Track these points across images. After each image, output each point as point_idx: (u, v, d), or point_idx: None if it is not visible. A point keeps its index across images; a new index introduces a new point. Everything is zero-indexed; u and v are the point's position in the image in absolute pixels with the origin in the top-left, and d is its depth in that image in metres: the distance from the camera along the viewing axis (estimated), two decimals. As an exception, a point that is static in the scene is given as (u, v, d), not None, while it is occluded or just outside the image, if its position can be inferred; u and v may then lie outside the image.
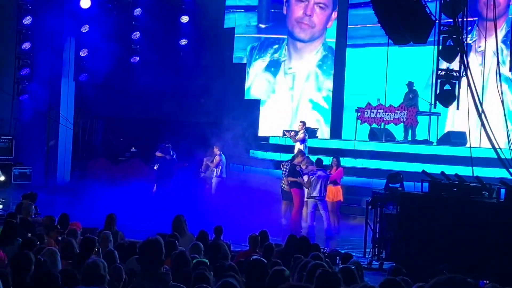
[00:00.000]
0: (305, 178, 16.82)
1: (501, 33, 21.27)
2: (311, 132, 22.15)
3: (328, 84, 25.75)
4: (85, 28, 23.06)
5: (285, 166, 17.74)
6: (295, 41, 26.20)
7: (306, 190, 16.71)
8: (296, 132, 20.10)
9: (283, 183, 17.50)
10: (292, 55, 26.32)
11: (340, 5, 25.47)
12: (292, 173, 17.04)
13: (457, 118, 21.51)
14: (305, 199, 16.71)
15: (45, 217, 11.59)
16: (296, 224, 16.74)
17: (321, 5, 25.77)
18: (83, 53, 23.28)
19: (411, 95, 21.39)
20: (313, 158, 18.10)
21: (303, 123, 20.51)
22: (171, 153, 21.18)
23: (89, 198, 18.35)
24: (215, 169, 19.86)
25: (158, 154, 21.27)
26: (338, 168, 17.39)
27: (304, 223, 16.80)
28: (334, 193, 17.08)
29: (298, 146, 19.66)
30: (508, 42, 21.10)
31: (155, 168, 21.07)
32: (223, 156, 20.11)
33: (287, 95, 26.21)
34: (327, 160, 18.20)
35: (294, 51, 26.28)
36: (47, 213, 12.55)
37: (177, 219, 11.24)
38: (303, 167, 17.11)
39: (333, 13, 25.76)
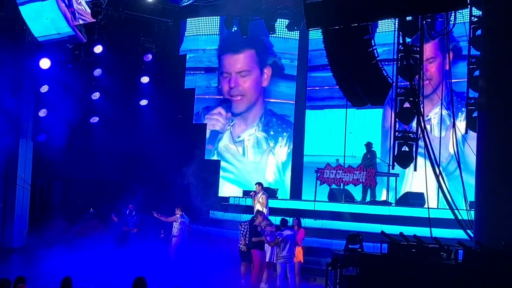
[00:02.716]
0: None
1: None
2: (271, 193, 22.12)
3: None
4: (44, 89, 22.94)
5: (243, 226, 17.60)
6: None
7: (275, 251, 16.59)
8: (256, 193, 19.97)
9: (241, 244, 17.37)
10: (240, 124, 26.45)
11: (300, 67, 25.83)
12: (255, 234, 16.93)
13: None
14: (274, 261, 16.56)
15: (0, 280, 11.35)
16: (256, 286, 16.61)
17: (242, 73, 26.07)
18: (42, 113, 23.10)
19: (369, 156, 21.63)
20: (273, 218, 18.07)
21: (260, 184, 20.36)
22: (127, 212, 21.18)
23: (46, 260, 18.04)
24: (174, 224, 19.90)
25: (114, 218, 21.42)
26: (300, 229, 17.27)
27: (264, 285, 16.65)
28: (296, 254, 17.00)
29: (257, 207, 19.55)
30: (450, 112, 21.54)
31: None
32: (185, 217, 20.04)
33: (240, 159, 26.36)
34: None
35: (237, 120, 26.41)
36: (1, 275, 12.29)
37: (138, 281, 10.92)
38: (263, 227, 17.03)
39: (265, 70, 26.01)
